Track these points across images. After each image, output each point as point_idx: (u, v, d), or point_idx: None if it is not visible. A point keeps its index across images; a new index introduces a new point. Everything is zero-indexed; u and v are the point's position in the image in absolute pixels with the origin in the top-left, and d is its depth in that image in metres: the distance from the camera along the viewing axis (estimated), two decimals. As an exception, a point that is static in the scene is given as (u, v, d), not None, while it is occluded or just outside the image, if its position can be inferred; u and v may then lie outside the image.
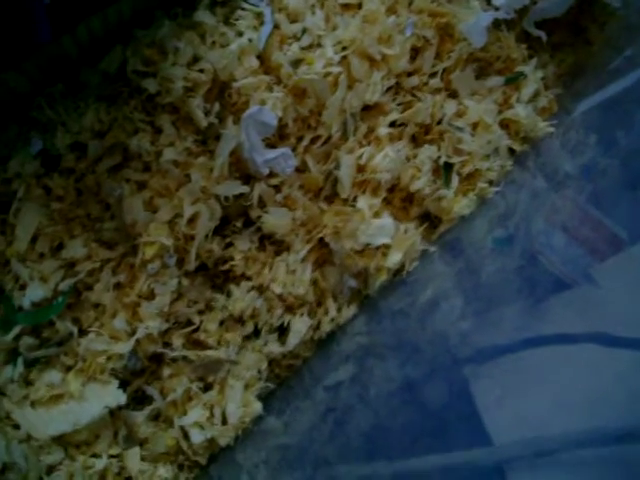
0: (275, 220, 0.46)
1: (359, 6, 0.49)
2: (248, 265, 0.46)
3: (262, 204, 0.46)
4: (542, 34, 0.51)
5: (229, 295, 0.47)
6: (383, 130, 0.48)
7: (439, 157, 0.49)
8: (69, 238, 0.43)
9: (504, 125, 0.52)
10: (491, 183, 0.51)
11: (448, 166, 0.50)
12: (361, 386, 0.48)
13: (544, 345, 0.40)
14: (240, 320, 0.47)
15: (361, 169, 0.48)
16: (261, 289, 0.47)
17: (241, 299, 0.46)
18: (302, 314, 0.48)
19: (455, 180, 0.50)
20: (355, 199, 0.48)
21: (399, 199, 0.50)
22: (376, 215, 0.47)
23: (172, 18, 0.45)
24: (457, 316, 0.45)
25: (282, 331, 0.49)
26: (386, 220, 0.47)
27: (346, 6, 0.48)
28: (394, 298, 0.48)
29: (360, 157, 0.47)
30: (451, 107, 0.50)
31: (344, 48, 0.47)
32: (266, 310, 0.47)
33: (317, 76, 0.45)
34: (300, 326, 0.48)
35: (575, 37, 0.55)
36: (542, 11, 0.51)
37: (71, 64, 0.44)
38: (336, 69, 0.45)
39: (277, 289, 0.46)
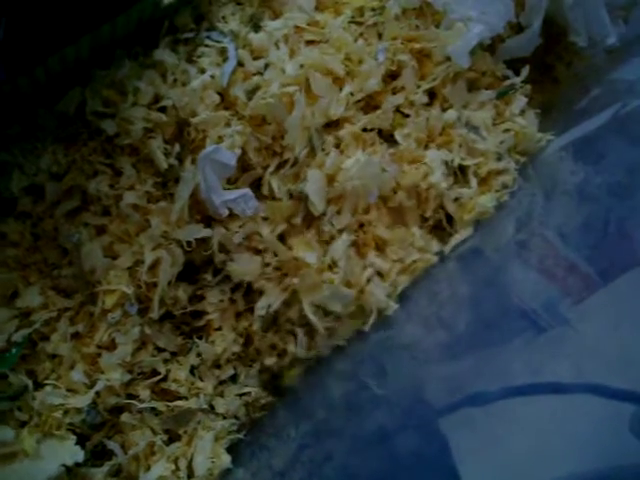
0: (240, 266, 0.43)
1: (326, 42, 0.48)
2: (223, 318, 0.45)
3: (225, 249, 0.44)
4: (510, 73, 0.51)
5: (206, 340, 0.45)
6: (349, 135, 0.45)
7: (452, 160, 0.47)
8: (24, 286, 0.42)
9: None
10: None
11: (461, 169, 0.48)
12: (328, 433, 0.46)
13: (528, 394, 0.39)
14: (216, 366, 0.46)
15: (331, 179, 0.44)
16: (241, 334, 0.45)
17: (219, 344, 0.44)
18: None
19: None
20: (333, 217, 0.45)
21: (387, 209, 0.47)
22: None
23: (133, 57, 0.44)
24: (433, 361, 0.44)
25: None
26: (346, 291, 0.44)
27: (311, 42, 0.47)
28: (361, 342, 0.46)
29: (324, 166, 0.44)
30: (451, 115, 0.48)
31: (302, 66, 0.44)
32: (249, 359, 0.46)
33: (272, 99, 0.42)
34: (293, 373, 0.47)
35: (543, 75, 0.55)
36: (510, 50, 0.50)
37: (28, 105, 0.42)
38: (292, 88, 0.43)
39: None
